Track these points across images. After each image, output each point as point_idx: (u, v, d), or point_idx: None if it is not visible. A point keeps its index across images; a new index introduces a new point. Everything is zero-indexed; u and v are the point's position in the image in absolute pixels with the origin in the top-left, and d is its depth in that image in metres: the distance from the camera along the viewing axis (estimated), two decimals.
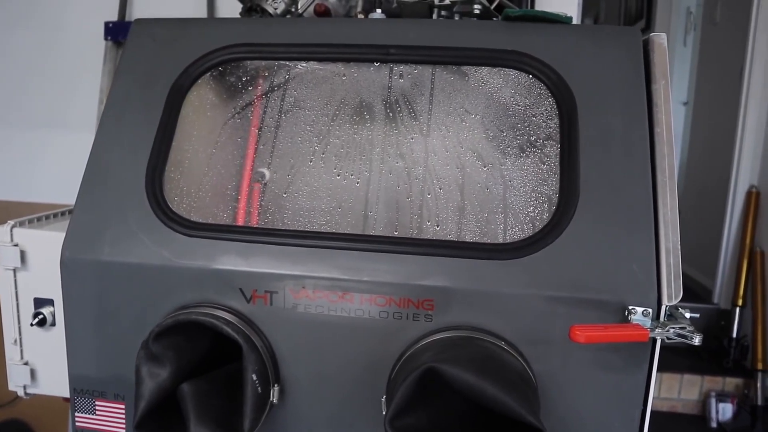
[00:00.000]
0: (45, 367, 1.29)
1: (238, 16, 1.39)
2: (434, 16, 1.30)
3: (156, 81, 1.17)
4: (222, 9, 2.39)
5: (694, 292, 3.76)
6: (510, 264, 0.98)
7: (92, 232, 1.09)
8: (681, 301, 0.94)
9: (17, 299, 1.25)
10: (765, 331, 3.09)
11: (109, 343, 1.10)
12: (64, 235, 1.09)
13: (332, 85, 1.17)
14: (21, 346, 1.28)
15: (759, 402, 2.99)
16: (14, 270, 1.24)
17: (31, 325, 1.23)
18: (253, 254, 1.04)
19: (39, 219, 1.30)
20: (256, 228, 1.09)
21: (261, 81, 1.19)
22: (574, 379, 0.97)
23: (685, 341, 0.90)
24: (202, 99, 1.19)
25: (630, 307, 0.93)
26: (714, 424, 3.04)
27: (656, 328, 0.91)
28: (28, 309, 1.25)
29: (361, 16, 1.30)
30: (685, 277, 0.93)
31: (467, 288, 0.98)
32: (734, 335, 3.25)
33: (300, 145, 1.14)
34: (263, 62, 1.19)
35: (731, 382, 3.11)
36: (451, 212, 1.05)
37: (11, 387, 1.31)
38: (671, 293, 0.93)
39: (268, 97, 1.18)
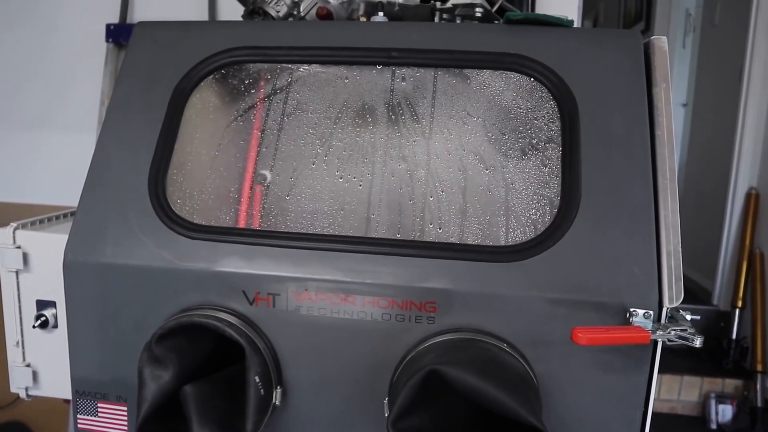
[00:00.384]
0: (47, 369, 1.29)
1: (240, 19, 1.39)
2: (436, 20, 1.30)
3: (158, 84, 1.17)
4: (223, 12, 2.38)
5: (693, 293, 3.76)
6: (512, 266, 0.98)
7: (95, 235, 1.09)
8: (681, 302, 0.94)
9: (19, 301, 1.25)
10: (764, 332, 3.10)
11: (112, 345, 1.10)
12: (66, 237, 1.10)
13: (334, 88, 1.17)
14: (23, 348, 1.28)
15: (758, 403, 3.00)
16: (17, 272, 1.24)
17: (34, 327, 1.23)
18: (255, 256, 1.04)
19: (41, 221, 1.30)
20: (258, 230, 1.09)
21: (263, 84, 1.20)
22: (575, 381, 0.98)
23: (686, 343, 0.91)
24: (204, 102, 1.19)
25: (631, 310, 0.93)
26: (714, 426, 3.04)
27: (657, 330, 0.91)
28: (30, 311, 1.25)
29: (363, 19, 1.30)
30: (685, 278, 0.94)
31: (469, 290, 0.98)
32: (734, 337, 3.25)
33: (302, 148, 1.14)
34: (265, 65, 1.20)
35: (731, 384, 3.12)
36: (453, 215, 1.06)
37: (13, 389, 1.31)
38: (672, 295, 0.93)
39: (271, 100, 1.18)
